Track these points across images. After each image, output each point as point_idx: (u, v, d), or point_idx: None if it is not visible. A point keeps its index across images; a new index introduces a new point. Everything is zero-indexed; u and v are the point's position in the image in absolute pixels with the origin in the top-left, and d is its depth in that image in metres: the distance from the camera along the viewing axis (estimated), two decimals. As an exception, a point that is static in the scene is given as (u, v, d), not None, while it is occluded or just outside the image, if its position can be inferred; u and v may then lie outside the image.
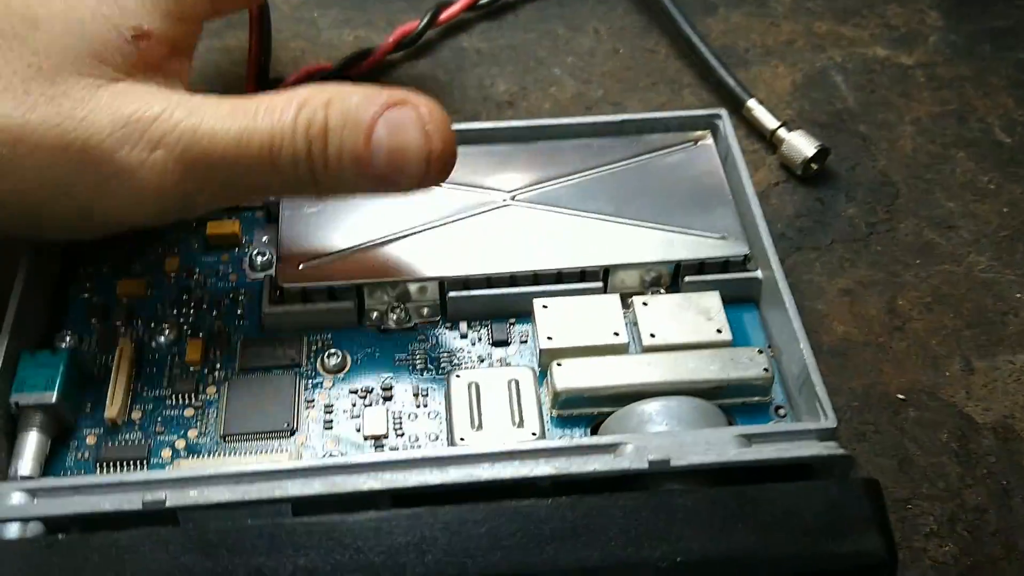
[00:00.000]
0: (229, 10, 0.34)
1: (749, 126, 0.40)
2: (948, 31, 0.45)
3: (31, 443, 0.27)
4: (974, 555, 0.29)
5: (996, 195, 0.38)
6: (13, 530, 0.24)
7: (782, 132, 0.38)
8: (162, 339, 0.30)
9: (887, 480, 0.30)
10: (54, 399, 0.27)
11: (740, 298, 0.31)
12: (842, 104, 0.41)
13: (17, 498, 0.24)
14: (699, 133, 0.34)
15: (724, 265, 0.31)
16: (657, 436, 0.26)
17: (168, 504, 0.24)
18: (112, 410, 0.28)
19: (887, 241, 0.37)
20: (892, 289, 0.35)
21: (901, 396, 0.32)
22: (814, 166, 0.38)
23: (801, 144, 0.38)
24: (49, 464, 0.27)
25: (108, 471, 0.27)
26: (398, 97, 0.26)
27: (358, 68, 0.41)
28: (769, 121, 0.39)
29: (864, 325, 0.34)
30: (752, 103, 0.39)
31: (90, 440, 0.28)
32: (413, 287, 0.30)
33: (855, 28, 0.45)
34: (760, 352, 0.29)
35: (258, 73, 0.38)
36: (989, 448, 0.31)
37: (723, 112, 0.34)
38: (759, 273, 0.31)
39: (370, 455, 0.26)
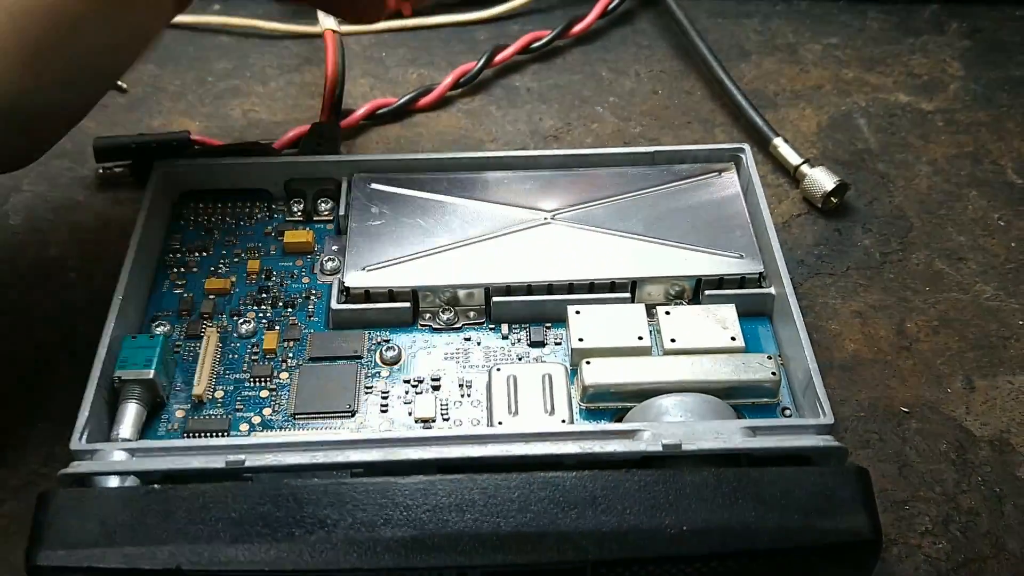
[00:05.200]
0: None
1: (775, 162, 0.43)
2: (969, 80, 0.48)
3: (130, 412, 0.31)
4: (965, 553, 0.31)
5: (1005, 231, 0.41)
6: (114, 482, 0.28)
7: (805, 168, 0.42)
8: (243, 330, 0.34)
9: (887, 483, 0.33)
10: (151, 375, 0.31)
11: (754, 312, 0.34)
12: (863, 144, 0.45)
13: (118, 455, 0.29)
14: (723, 165, 0.38)
15: (740, 281, 0.34)
16: (672, 425, 0.29)
17: (247, 464, 0.28)
18: (199, 388, 0.32)
19: (899, 270, 0.39)
20: (901, 313, 0.38)
21: (905, 409, 0.35)
22: (834, 200, 0.41)
23: (822, 179, 0.41)
24: (143, 434, 0.31)
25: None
26: None
27: (420, 102, 0.46)
28: (793, 158, 0.42)
29: (873, 344, 0.37)
30: (778, 141, 0.43)
31: (179, 414, 0.32)
32: (462, 292, 0.34)
33: (880, 75, 0.48)
34: (769, 358, 0.32)
35: (332, 105, 0.42)
36: (985, 459, 0.33)
37: (745, 146, 0.37)
38: (772, 289, 0.34)
39: (420, 431, 0.30)
